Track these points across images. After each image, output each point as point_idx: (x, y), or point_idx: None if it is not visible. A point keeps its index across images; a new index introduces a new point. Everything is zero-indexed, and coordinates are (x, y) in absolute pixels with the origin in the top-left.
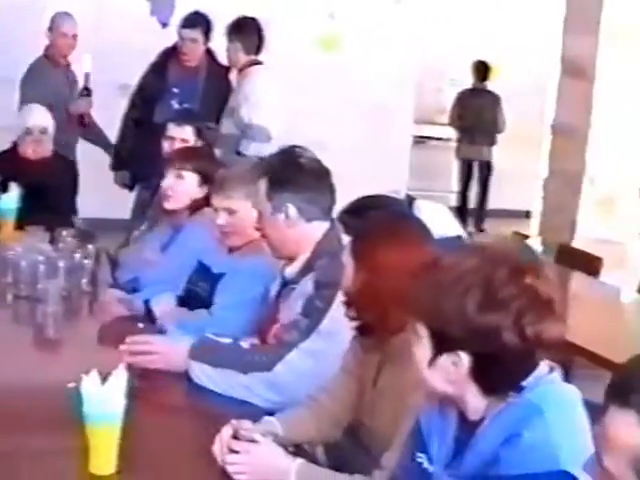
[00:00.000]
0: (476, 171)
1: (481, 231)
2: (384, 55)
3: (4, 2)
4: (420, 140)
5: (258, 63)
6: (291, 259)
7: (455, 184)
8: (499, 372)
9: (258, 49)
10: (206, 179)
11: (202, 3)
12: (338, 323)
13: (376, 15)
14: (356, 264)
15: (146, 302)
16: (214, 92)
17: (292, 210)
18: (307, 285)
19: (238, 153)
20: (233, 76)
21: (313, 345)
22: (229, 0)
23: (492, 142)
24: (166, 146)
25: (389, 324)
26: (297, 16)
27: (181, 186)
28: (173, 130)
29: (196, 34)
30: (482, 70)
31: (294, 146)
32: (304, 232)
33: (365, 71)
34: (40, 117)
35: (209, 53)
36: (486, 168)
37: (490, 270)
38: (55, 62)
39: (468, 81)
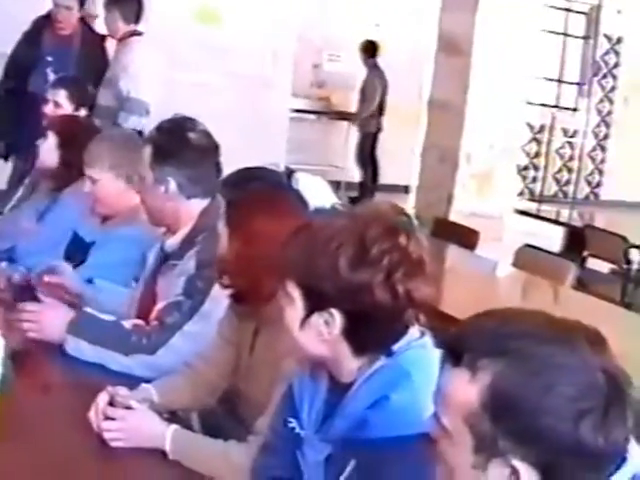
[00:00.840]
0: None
1: None
2: (262, 29)
3: None
4: (297, 114)
5: (138, 34)
6: (169, 230)
7: (332, 158)
8: (371, 330)
9: (137, 18)
10: (67, 142)
11: None
12: (219, 304)
13: None
14: (230, 232)
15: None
16: (89, 60)
17: (172, 185)
18: (189, 264)
19: (116, 125)
20: (111, 46)
21: (195, 327)
22: None
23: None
24: (44, 109)
25: (263, 291)
26: None
27: (44, 146)
28: (49, 93)
29: (70, 2)
30: (370, 48)
31: (186, 118)
32: (182, 208)
33: (244, 44)
34: None
35: (83, 22)
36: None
37: (362, 228)
38: None
39: (345, 58)
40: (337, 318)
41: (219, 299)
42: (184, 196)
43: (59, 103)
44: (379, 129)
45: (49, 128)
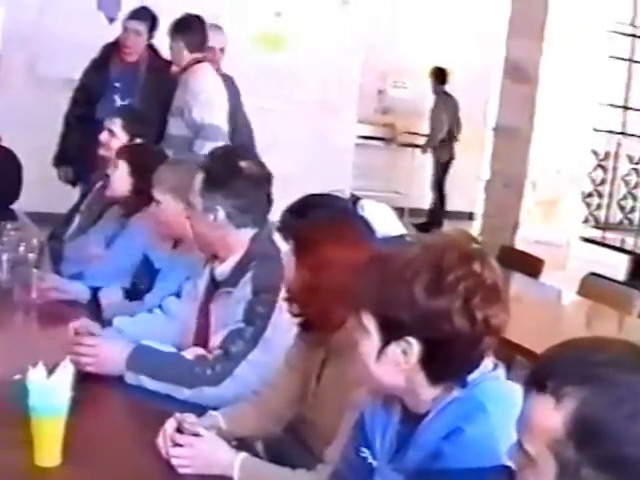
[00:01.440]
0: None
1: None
2: (328, 55)
3: None
4: (362, 140)
5: (201, 61)
6: (218, 257)
7: (397, 185)
8: (448, 359)
9: (202, 47)
10: (138, 170)
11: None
12: (281, 329)
13: (322, 15)
14: (297, 261)
15: (93, 290)
16: (155, 86)
17: (221, 214)
18: (245, 290)
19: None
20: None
21: (260, 355)
22: None
23: (452, 142)
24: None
25: (332, 320)
26: (243, 14)
27: (116, 174)
28: (106, 121)
29: (141, 27)
30: (440, 75)
31: (238, 146)
32: (231, 237)
33: (308, 70)
34: None
35: (151, 49)
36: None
37: (437, 255)
38: None
39: (410, 84)
40: (415, 346)
41: (280, 324)
42: (233, 225)
43: (114, 132)
44: (451, 157)
45: (120, 157)
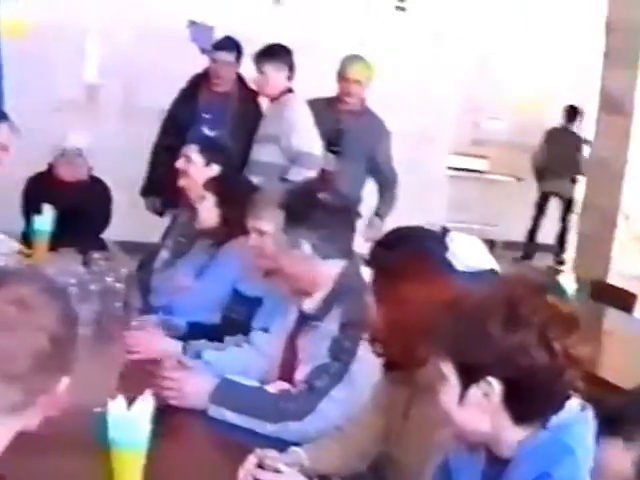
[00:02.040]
0: (552, 206)
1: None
2: (424, 85)
3: None
4: (455, 172)
5: (291, 90)
6: (306, 291)
7: (489, 217)
8: (531, 395)
9: (292, 76)
10: (226, 200)
11: (234, 29)
12: (366, 365)
13: (417, 46)
14: (380, 299)
15: (190, 324)
16: (244, 117)
17: (306, 247)
18: (332, 325)
19: (284, 181)
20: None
21: (343, 391)
22: (259, 26)
23: (574, 180)
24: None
25: (416, 357)
26: (331, 43)
27: (204, 206)
28: (183, 148)
29: (230, 57)
30: (572, 113)
31: (316, 179)
32: (318, 269)
33: (404, 101)
34: (75, 139)
35: (239, 77)
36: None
37: (509, 290)
38: None
39: (506, 117)
40: (496, 387)
41: (366, 360)
42: (319, 256)
43: (190, 158)
44: (570, 195)
45: (207, 188)
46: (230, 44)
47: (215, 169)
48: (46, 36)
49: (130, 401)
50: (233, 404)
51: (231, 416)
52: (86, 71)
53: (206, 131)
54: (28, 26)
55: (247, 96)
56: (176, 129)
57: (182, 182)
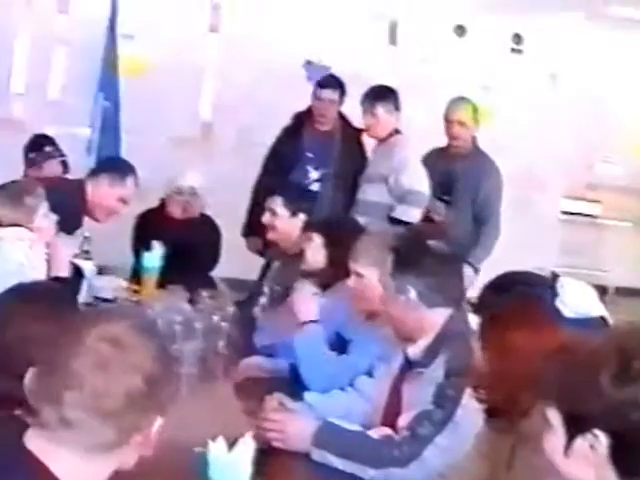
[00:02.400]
0: None
1: None
2: (537, 127)
3: None
4: (567, 216)
5: (398, 131)
6: (411, 337)
7: (601, 262)
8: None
9: (397, 118)
10: (333, 241)
11: (349, 68)
12: (471, 414)
13: (533, 87)
14: (485, 345)
15: (292, 365)
16: (349, 156)
17: (413, 294)
18: (437, 372)
19: (391, 220)
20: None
21: (447, 440)
22: (374, 66)
23: None
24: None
25: (519, 406)
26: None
27: (311, 246)
28: (267, 202)
29: (335, 95)
30: None
31: (427, 226)
32: (424, 317)
33: (516, 143)
34: (190, 177)
35: (341, 115)
36: None
37: (623, 342)
38: None
39: (621, 161)
40: (602, 440)
41: (471, 409)
42: (425, 305)
43: (275, 211)
44: None
45: (313, 229)
46: (334, 82)
47: (302, 218)
48: (163, 74)
49: (231, 443)
50: (336, 448)
51: (334, 460)
52: (201, 109)
53: (311, 171)
54: (146, 64)
55: (350, 135)
56: (278, 168)
57: (271, 236)
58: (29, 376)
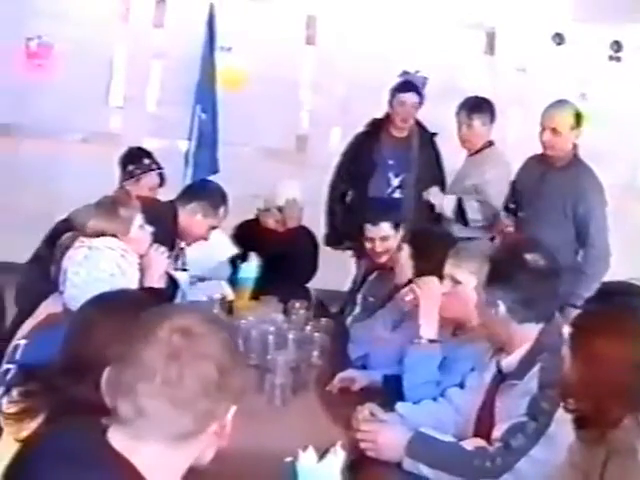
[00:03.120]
0: None
1: None
2: (636, 138)
3: None
4: None
5: (492, 143)
6: (503, 349)
7: None
8: None
9: (491, 129)
10: (422, 253)
11: (445, 78)
12: (565, 426)
13: (630, 97)
14: (576, 354)
15: (385, 377)
16: (427, 161)
17: (502, 309)
18: (531, 384)
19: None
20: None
21: (542, 452)
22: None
23: None
24: (368, 247)
25: (609, 417)
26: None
27: (400, 257)
28: (370, 231)
29: (416, 99)
30: None
31: (527, 239)
32: (515, 331)
33: (615, 151)
34: (291, 190)
35: (417, 122)
36: None
37: None
38: None
39: None
40: None
41: (564, 421)
42: (515, 320)
43: (387, 237)
44: None
45: (404, 240)
46: (414, 86)
47: (401, 229)
48: (260, 86)
49: (322, 453)
50: (428, 458)
51: (426, 470)
52: (297, 121)
53: (392, 178)
54: (243, 77)
55: (427, 140)
56: (357, 176)
57: (384, 259)
58: (105, 376)
